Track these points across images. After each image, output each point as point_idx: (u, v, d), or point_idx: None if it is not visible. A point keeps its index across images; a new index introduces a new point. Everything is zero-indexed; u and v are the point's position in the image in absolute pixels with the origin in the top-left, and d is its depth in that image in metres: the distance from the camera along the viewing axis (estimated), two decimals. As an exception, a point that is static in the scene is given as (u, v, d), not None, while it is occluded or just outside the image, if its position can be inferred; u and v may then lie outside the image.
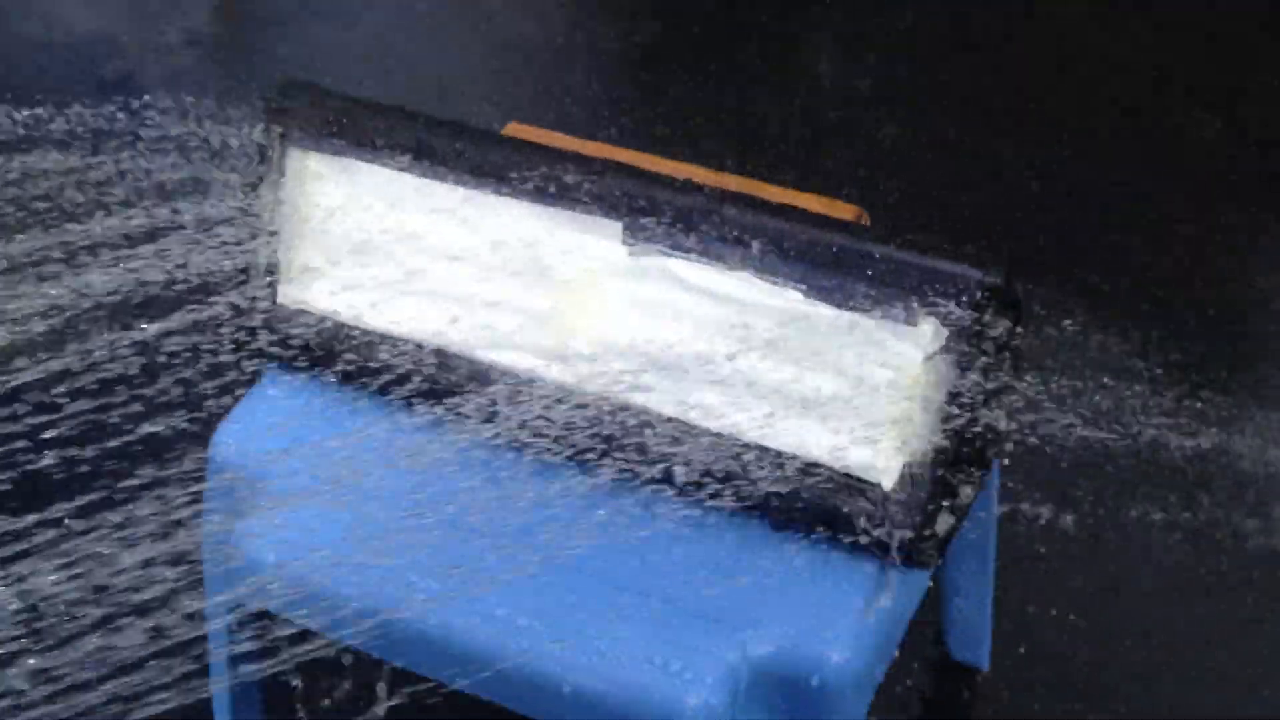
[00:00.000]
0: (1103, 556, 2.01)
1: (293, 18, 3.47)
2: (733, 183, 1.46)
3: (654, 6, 3.57)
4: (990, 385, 1.30)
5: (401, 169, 1.44)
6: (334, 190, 1.47)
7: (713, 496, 1.37)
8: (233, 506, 1.46)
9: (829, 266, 1.31)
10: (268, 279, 1.51)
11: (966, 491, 1.34)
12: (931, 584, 1.48)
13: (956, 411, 1.29)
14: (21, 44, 3.35)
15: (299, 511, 1.41)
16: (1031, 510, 1.89)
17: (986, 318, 1.27)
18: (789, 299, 1.33)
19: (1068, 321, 1.95)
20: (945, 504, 1.33)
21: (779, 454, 1.35)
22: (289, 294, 1.51)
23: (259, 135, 1.47)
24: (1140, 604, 2.01)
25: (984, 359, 1.28)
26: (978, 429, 1.31)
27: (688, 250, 1.36)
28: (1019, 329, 1.30)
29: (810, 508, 1.34)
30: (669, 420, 1.39)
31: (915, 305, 1.29)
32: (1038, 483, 1.94)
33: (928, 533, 1.32)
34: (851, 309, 1.31)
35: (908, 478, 1.32)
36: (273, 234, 1.49)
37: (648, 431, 1.39)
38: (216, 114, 1.57)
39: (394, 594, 1.35)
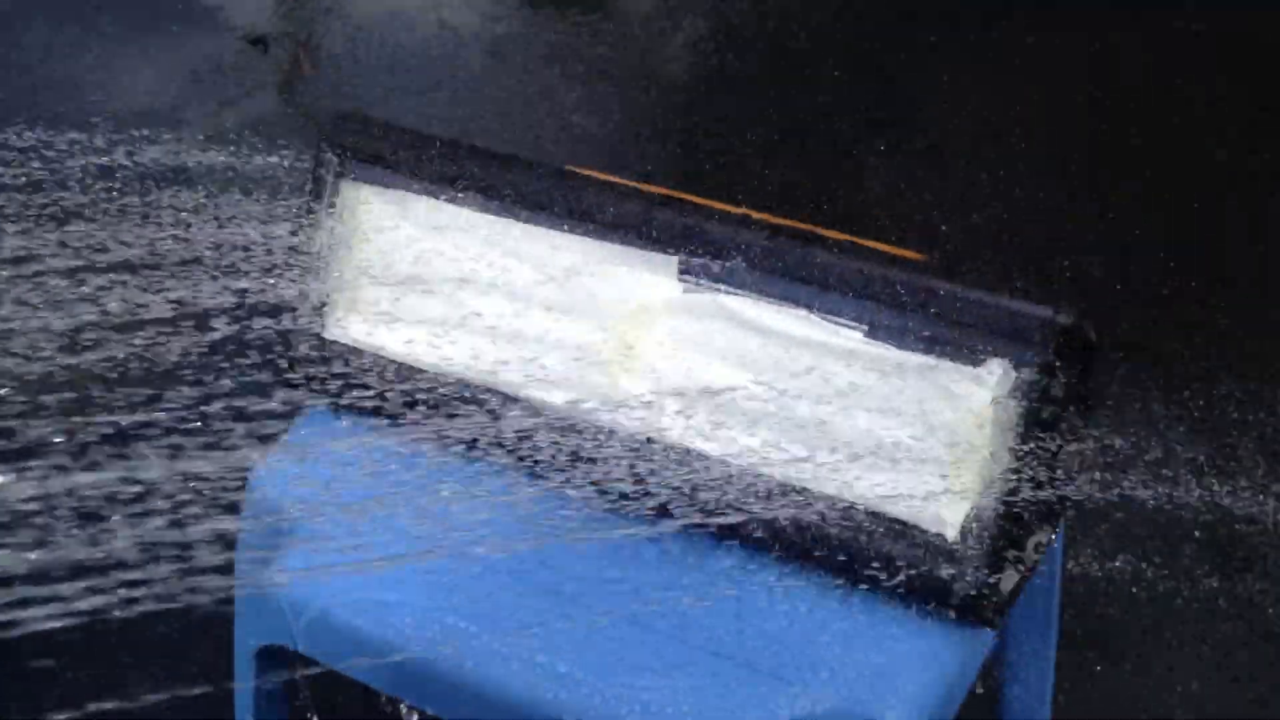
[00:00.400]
0: (1172, 622, 1.91)
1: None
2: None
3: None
4: (1062, 432, 1.23)
5: (454, 202, 1.41)
6: (386, 223, 1.44)
7: (765, 545, 1.31)
8: (269, 545, 1.42)
9: (892, 305, 1.25)
10: (315, 312, 1.48)
11: (1034, 546, 1.27)
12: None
13: (1025, 459, 1.23)
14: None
15: (337, 556, 1.37)
16: (1102, 569, 1.79)
17: (1058, 360, 1.21)
18: (850, 338, 1.27)
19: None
20: (1011, 558, 1.26)
21: (835, 500, 1.29)
22: (336, 329, 1.48)
23: (312, 165, 1.44)
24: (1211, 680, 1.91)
25: (1055, 404, 1.22)
26: (1047, 479, 1.25)
27: (744, 287, 1.31)
28: (1092, 373, 1.24)
29: (868, 558, 1.28)
30: (720, 463, 1.33)
31: (983, 346, 1.23)
32: (1110, 542, 1.84)
33: (992, 589, 1.25)
34: (915, 349, 1.25)
35: (972, 529, 1.25)
36: (322, 266, 1.46)
37: (699, 476, 1.34)
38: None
39: (435, 639, 1.30)
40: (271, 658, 1.40)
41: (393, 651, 1.28)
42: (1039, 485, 1.24)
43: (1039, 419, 1.22)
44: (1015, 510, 1.24)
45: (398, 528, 1.39)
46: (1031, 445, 1.23)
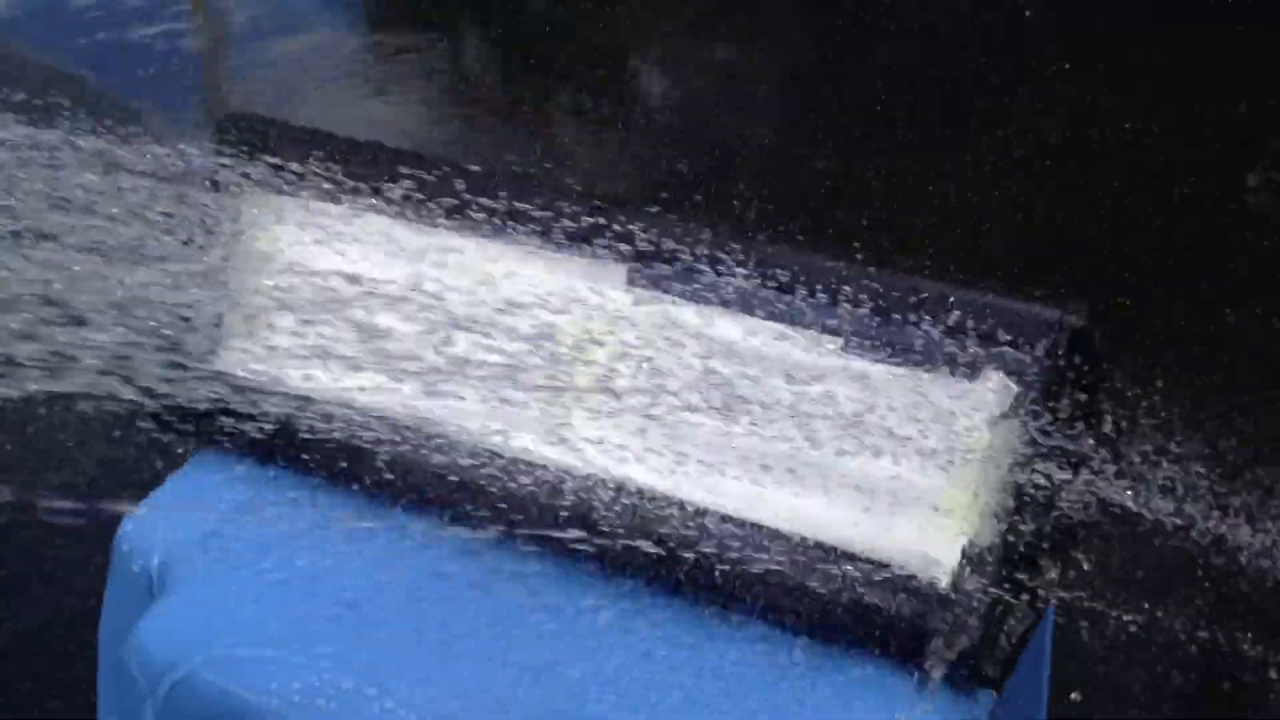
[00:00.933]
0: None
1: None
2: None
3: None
4: (1071, 455, 1.06)
5: (371, 209, 1.24)
6: (291, 237, 1.27)
7: (725, 598, 1.12)
8: (135, 609, 1.19)
9: (871, 310, 1.09)
10: (208, 342, 1.28)
11: (1041, 590, 1.09)
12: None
13: (1030, 489, 1.06)
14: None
15: (213, 614, 1.15)
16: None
17: (1067, 370, 1.04)
18: (824, 352, 1.11)
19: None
20: (1015, 606, 1.07)
21: (808, 543, 1.10)
22: (231, 359, 1.29)
23: (208, 173, 1.27)
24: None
25: (1064, 422, 1.05)
26: (1056, 511, 1.07)
27: (701, 297, 1.14)
28: (1103, 385, 1.08)
29: (848, 611, 1.08)
30: (676, 504, 1.14)
31: (977, 356, 1.07)
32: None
33: (993, 644, 1.06)
34: (900, 362, 1.09)
35: (968, 573, 1.07)
36: (219, 288, 1.27)
37: (646, 518, 1.15)
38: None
39: (324, 704, 1.07)
40: None
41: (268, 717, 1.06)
42: (1046, 518, 1.07)
43: (1045, 439, 1.05)
44: (1019, 549, 1.06)
45: (290, 584, 1.18)
46: (1036, 471, 1.05)
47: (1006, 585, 1.05)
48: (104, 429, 1.25)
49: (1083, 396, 1.06)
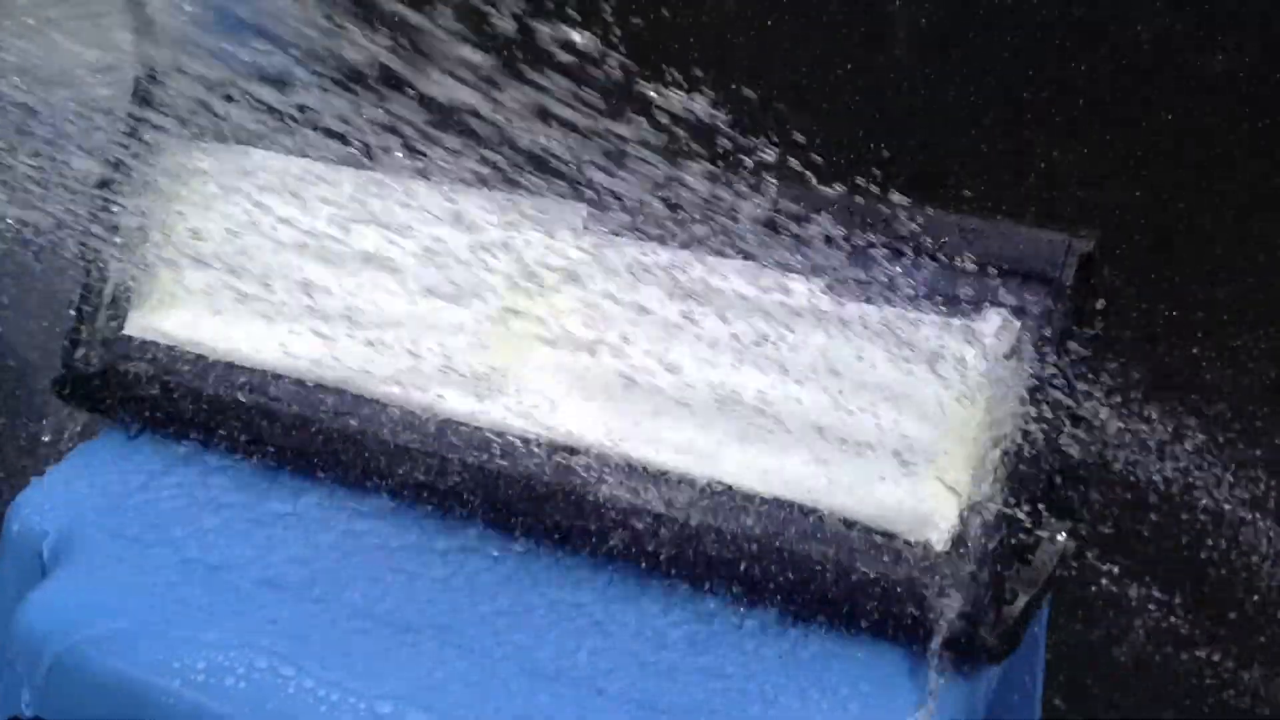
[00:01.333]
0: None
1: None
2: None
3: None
4: (1082, 401, 0.96)
5: (303, 153, 1.12)
6: (210, 188, 1.15)
7: (701, 572, 0.99)
8: (27, 585, 1.05)
9: (857, 245, 0.98)
10: (114, 303, 1.16)
11: (1048, 555, 0.97)
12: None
13: (1032, 440, 0.94)
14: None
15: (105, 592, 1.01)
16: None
17: (1078, 304, 0.94)
18: (805, 293, 1.00)
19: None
20: (1017, 571, 0.96)
21: (788, 505, 0.98)
22: (143, 322, 1.16)
23: (123, 123, 1.16)
24: None
25: (1073, 364, 0.95)
26: (1063, 464, 0.96)
27: (668, 237, 1.03)
28: (1119, 323, 0.97)
29: (834, 580, 0.96)
30: (639, 469, 1.02)
31: (973, 291, 0.96)
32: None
33: (993, 613, 0.94)
34: (888, 302, 0.98)
35: (966, 534, 0.95)
36: (131, 242, 1.15)
37: (607, 485, 1.02)
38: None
39: (233, 682, 0.93)
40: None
41: (166, 697, 0.91)
42: (1051, 474, 0.95)
43: (1051, 383, 0.94)
44: (1022, 508, 0.95)
45: (195, 562, 1.04)
46: (1042, 420, 0.94)
47: (1006, 550, 0.94)
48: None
49: (1094, 335, 0.95)
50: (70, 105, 1.17)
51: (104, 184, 1.14)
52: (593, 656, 0.96)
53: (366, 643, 0.96)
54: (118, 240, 1.15)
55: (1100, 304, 0.95)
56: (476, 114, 1.00)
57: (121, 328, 1.15)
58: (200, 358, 1.13)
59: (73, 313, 1.15)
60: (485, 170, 1.06)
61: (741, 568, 0.98)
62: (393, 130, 1.07)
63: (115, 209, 1.14)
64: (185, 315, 1.15)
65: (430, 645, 0.95)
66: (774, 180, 0.99)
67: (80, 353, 1.15)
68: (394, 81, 1.01)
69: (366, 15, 0.98)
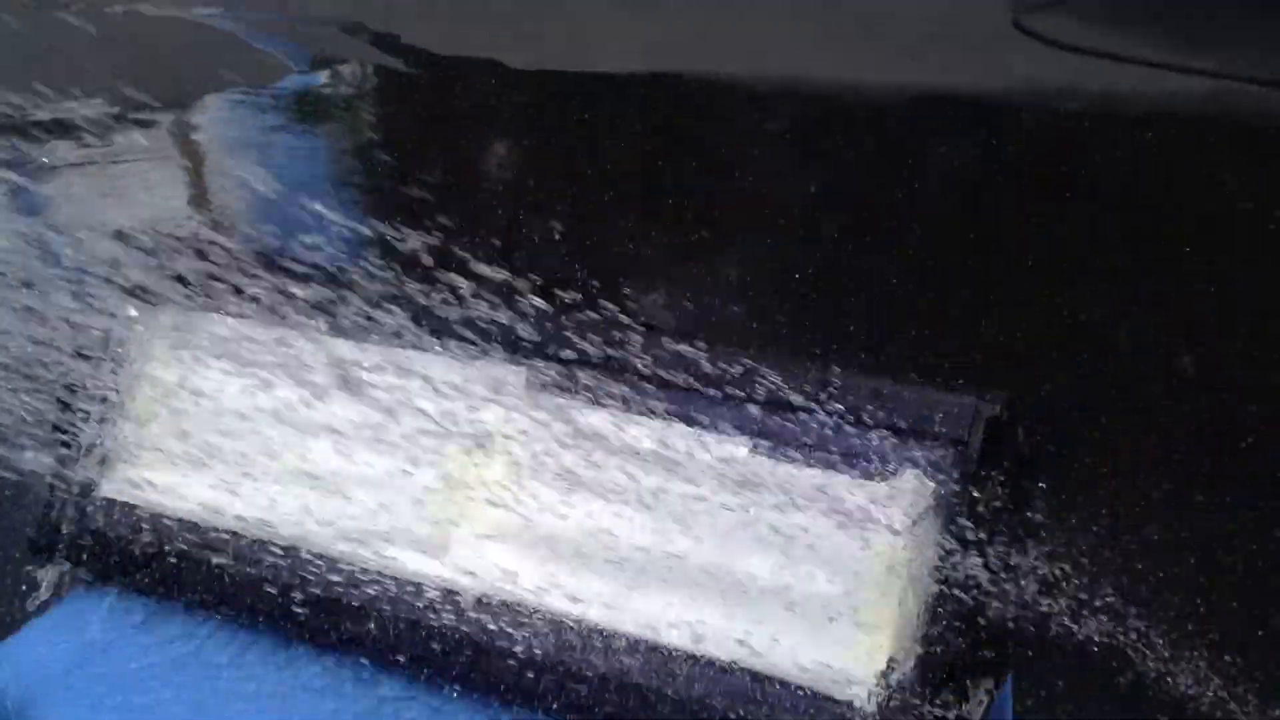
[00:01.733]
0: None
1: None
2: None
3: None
4: (998, 558, 0.98)
5: (268, 322, 1.18)
6: (189, 353, 1.21)
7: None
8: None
9: (781, 409, 1.03)
10: (94, 466, 1.21)
11: (972, 711, 0.99)
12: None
13: (952, 595, 0.97)
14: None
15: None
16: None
17: (987, 462, 0.97)
18: (731, 453, 1.04)
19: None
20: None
21: (711, 664, 1.01)
22: (117, 483, 1.21)
23: (111, 296, 1.22)
24: None
25: (986, 522, 0.98)
26: (982, 620, 0.98)
27: (602, 398, 1.08)
28: (1029, 481, 1.00)
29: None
30: (571, 625, 1.05)
31: (891, 452, 1.00)
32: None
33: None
34: (810, 464, 1.02)
35: (887, 692, 0.97)
36: (107, 409, 1.21)
37: (539, 639, 1.05)
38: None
39: None
40: None
41: None
42: (973, 627, 0.98)
43: (965, 541, 0.97)
44: (940, 663, 0.97)
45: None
46: (959, 575, 0.97)
47: (931, 706, 0.96)
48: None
49: (1006, 491, 0.99)
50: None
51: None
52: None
53: None
54: (95, 405, 1.21)
55: (1007, 463, 0.98)
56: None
57: (95, 489, 1.21)
58: (165, 518, 1.18)
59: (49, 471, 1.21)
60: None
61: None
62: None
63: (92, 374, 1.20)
64: (158, 476, 1.20)
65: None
66: (701, 345, 1.04)
67: (54, 512, 1.20)
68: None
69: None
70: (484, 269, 1.09)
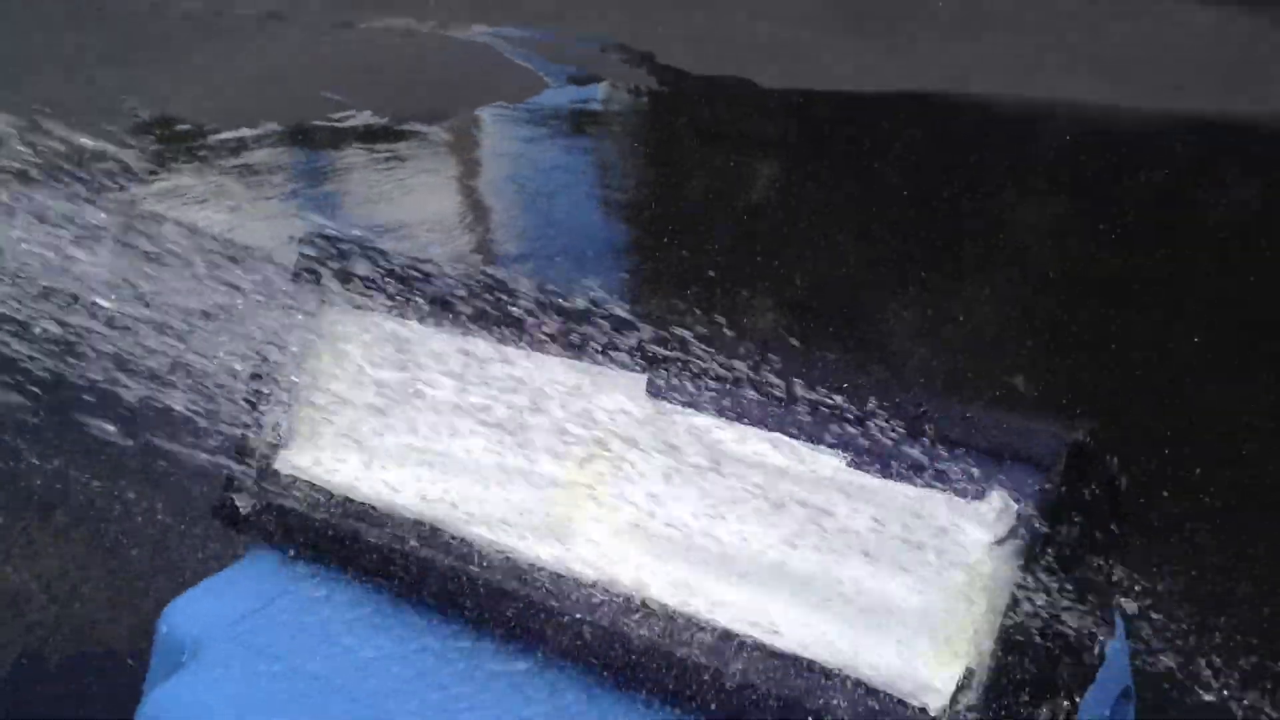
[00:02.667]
0: None
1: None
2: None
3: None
4: (1078, 579, 1.00)
5: (422, 321, 1.29)
6: (356, 348, 1.33)
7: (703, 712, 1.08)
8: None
9: (880, 428, 1.07)
10: (271, 443, 1.35)
11: (1042, 726, 1.01)
12: None
13: (1031, 614, 1.00)
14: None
15: (216, 693, 1.18)
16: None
17: (1071, 488, 1.00)
18: (829, 467, 1.09)
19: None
20: (1012, 743, 1.00)
21: (797, 661, 1.06)
22: (290, 462, 1.34)
23: (290, 286, 1.35)
24: None
25: (1068, 545, 1.00)
26: (1059, 640, 1.01)
27: (717, 409, 1.14)
28: (1114, 503, 1.02)
29: (836, 735, 1.03)
30: (671, 617, 1.12)
31: (980, 474, 1.03)
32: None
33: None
34: (902, 479, 1.06)
35: (962, 704, 1.01)
36: (285, 391, 1.34)
37: (642, 630, 1.13)
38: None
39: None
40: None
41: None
42: (1047, 648, 1.00)
43: (1048, 563, 1.00)
44: (1014, 678, 1.00)
45: (298, 678, 1.20)
46: (1040, 596, 1.00)
47: (1004, 716, 0.99)
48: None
49: (1089, 518, 1.00)
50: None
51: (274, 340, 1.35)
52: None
53: None
54: (277, 390, 1.34)
55: (1094, 490, 1.00)
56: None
57: (272, 465, 1.34)
58: (333, 495, 1.31)
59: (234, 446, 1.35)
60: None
61: (756, 716, 1.06)
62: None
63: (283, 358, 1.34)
64: (326, 457, 1.33)
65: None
66: (806, 362, 1.10)
67: (236, 483, 1.34)
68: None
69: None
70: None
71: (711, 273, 3.81)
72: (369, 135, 5.57)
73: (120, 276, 1.30)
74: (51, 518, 2.53)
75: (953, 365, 3.05)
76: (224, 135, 5.23)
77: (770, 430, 1.11)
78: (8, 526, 2.58)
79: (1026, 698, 1.01)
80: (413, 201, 4.71)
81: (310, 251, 1.34)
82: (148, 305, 1.31)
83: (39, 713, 2.10)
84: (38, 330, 1.32)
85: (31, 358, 1.32)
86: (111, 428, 1.40)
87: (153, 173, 4.81)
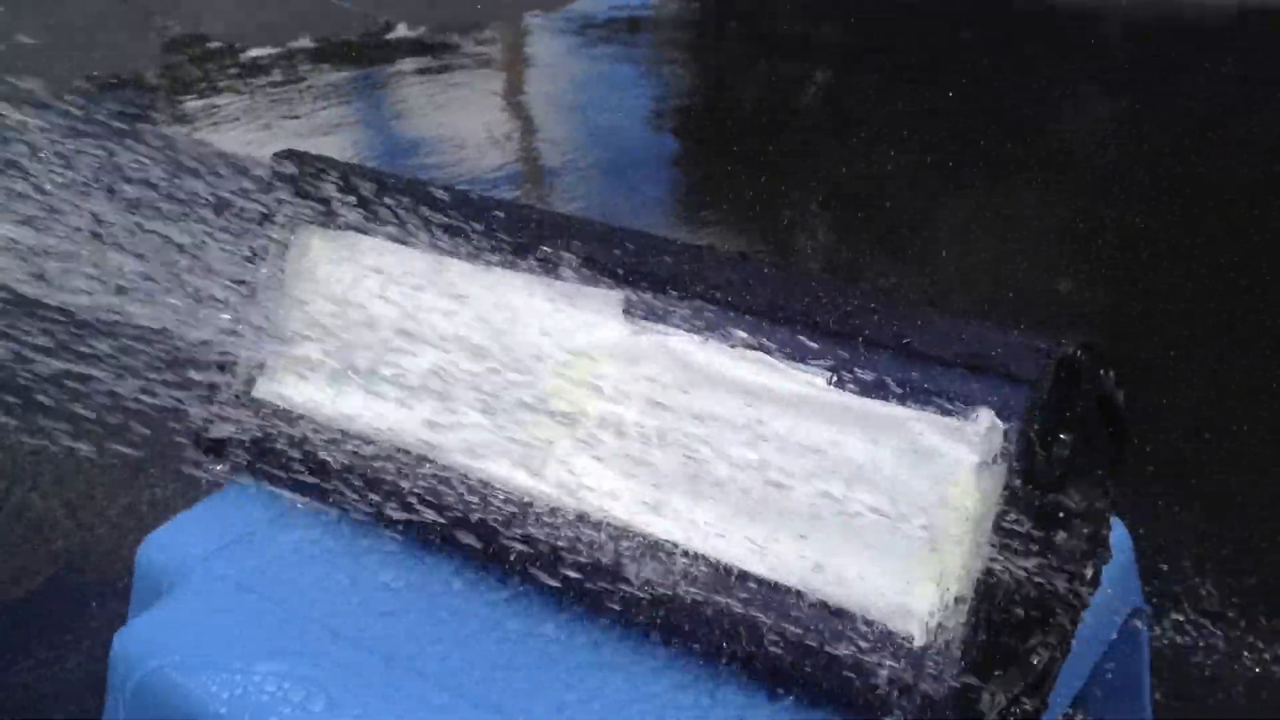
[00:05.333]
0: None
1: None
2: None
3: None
4: (1070, 500, 0.95)
5: (402, 241, 1.24)
6: (331, 271, 1.28)
7: (696, 642, 1.04)
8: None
9: (861, 343, 1.01)
10: (247, 370, 1.31)
11: (1038, 656, 0.96)
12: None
13: (1019, 537, 0.94)
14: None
15: (192, 623, 1.15)
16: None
17: (1062, 406, 0.93)
18: (811, 384, 1.03)
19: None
20: (999, 672, 0.95)
21: (776, 587, 1.02)
22: (267, 387, 1.31)
23: (262, 204, 1.31)
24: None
25: (1058, 464, 0.94)
26: (1050, 564, 0.95)
27: (695, 326, 1.09)
28: (1109, 420, 0.96)
29: (814, 667, 0.99)
30: (648, 543, 1.08)
31: (966, 391, 0.97)
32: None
33: (967, 713, 0.94)
34: (886, 397, 1.00)
35: (946, 629, 0.96)
36: (263, 315, 1.30)
37: (624, 556, 1.08)
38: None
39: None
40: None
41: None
42: (1039, 572, 0.95)
43: (1036, 484, 0.94)
44: (1007, 605, 0.95)
45: (276, 605, 1.17)
46: (1028, 518, 0.94)
47: (987, 647, 0.94)
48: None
49: (1083, 436, 0.94)
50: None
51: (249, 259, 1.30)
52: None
53: (440, 711, 1.05)
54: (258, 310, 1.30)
55: (1086, 408, 0.94)
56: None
57: (249, 391, 1.31)
58: (310, 421, 1.27)
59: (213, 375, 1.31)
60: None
61: (737, 647, 1.02)
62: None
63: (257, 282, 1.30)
64: (301, 384, 1.29)
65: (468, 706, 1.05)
66: (773, 274, 1.04)
67: (214, 409, 1.30)
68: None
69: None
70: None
71: (754, 182, 3.73)
72: (403, 49, 5.51)
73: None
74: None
75: (991, 267, 2.97)
76: (255, 53, 5.18)
77: (751, 348, 1.05)
78: (34, 452, 2.59)
79: (1016, 623, 0.95)
80: (446, 116, 4.66)
81: (286, 170, 1.29)
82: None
83: (66, 639, 2.11)
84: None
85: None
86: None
87: (182, 91, 4.78)
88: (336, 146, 4.14)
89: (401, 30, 5.66)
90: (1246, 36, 4.64)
